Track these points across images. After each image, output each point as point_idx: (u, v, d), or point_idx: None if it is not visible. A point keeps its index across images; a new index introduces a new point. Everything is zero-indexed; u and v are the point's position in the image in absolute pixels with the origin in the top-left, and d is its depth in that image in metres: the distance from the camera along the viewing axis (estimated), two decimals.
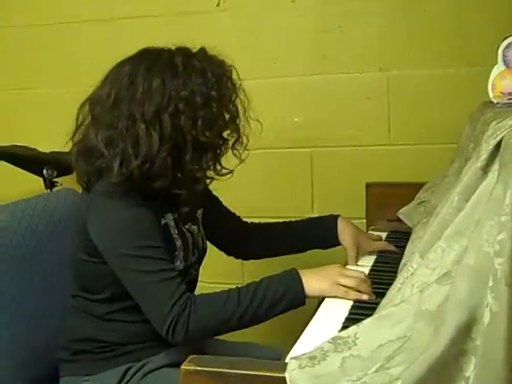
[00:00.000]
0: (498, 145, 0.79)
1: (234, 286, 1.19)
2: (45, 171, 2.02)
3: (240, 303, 1.15)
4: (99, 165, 1.21)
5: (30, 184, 2.07)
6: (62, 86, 2.24)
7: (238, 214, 1.54)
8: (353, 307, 1.15)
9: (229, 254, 1.55)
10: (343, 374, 0.76)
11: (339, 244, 1.45)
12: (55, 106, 2.22)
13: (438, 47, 1.89)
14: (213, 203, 1.49)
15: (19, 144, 2.09)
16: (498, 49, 1.26)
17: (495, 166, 0.78)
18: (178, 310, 1.13)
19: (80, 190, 1.33)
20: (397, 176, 1.89)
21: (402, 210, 1.59)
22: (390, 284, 0.97)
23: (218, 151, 1.28)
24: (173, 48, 1.27)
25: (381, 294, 1.07)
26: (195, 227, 1.37)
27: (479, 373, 0.69)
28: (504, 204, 0.69)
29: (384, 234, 1.62)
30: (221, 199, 1.51)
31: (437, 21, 1.88)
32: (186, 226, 1.33)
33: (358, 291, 1.18)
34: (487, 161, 0.80)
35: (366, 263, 1.42)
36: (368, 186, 1.81)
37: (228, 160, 1.30)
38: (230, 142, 1.29)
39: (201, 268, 1.40)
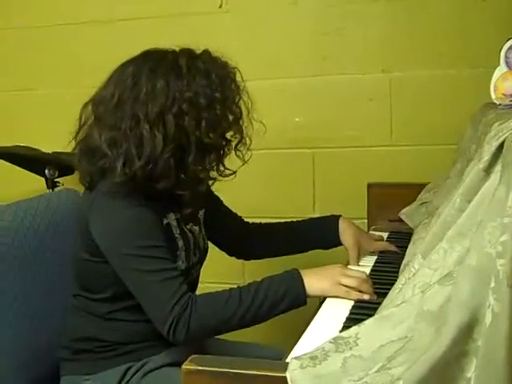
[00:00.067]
0: (501, 146, 0.79)
1: (235, 286, 1.19)
2: (47, 171, 2.03)
3: (241, 303, 1.15)
4: (102, 165, 1.22)
5: (31, 184, 2.07)
6: (63, 86, 2.24)
7: (239, 214, 1.54)
8: (354, 307, 1.15)
9: (230, 254, 1.55)
10: (344, 374, 0.76)
11: (340, 244, 1.45)
12: (56, 106, 2.23)
13: (440, 48, 1.89)
14: (214, 203, 1.49)
15: (21, 144, 2.09)
16: (500, 50, 1.26)
17: (497, 168, 0.78)
18: (180, 309, 1.13)
19: (82, 190, 1.33)
20: (398, 177, 1.89)
21: (403, 211, 1.59)
22: (392, 284, 0.97)
23: (222, 152, 1.28)
24: (177, 49, 1.27)
25: (382, 294, 1.07)
26: (197, 227, 1.37)
27: (481, 373, 0.69)
28: (506, 205, 0.69)
29: (385, 235, 1.62)
30: (222, 199, 1.51)
31: (439, 22, 1.88)
32: (188, 227, 1.33)
33: (360, 291, 1.19)
34: (489, 162, 0.80)
35: (367, 263, 1.42)
36: (370, 186, 1.81)
37: (231, 161, 1.30)
38: (233, 143, 1.29)
39: (202, 268, 1.40)
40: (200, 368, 0.83)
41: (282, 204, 2.06)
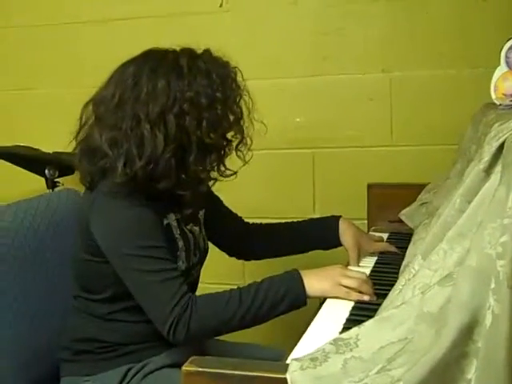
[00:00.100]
0: (501, 147, 0.79)
1: (235, 287, 1.19)
2: (47, 171, 2.03)
3: (241, 303, 1.15)
4: (103, 165, 1.21)
5: (31, 184, 2.07)
6: (63, 86, 2.24)
7: (239, 214, 1.54)
8: (354, 308, 1.15)
9: (230, 254, 1.55)
10: (345, 376, 0.76)
11: (340, 245, 1.45)
12: (56, 106, 2.23)
13: (441, 48, 1.89)
14: (214, 204, 1.49)
15: (22, 144, 2.09)
16: (500, 50, 1.26)
17: (498, 168, 0.78)
18: (180, 310, 1.13)
19: (82, 190, 1.33)
20: (398, 177, 1.89)
21: (403, 211, 1.59)
22: (392, 285, 0.97)
23: (222, 152, 1.28)
24: (177, 49, 1.27)
25: (382, 295, 1.07)
26: (197, 228, 1.37)
27: (481, 375, 0.69)
28: (507, 206, 0.69)
29: (385, 235, 1.62)
30: (223, 199, 1.51)
31: (439, 22, 1.88)
32: (188, 227, 1.33)
33: (360, 292, 1.18)
34: (490, 163, 0.80)
35: (368, 264, 1.42)
36: (370, 186, 1.81)
37: (231, 161, 1.30)
38: (234, 144, 1.29)
39: (202, 269, 1.40)
40: (200, 369, 0.83)
41: (283, 204, 2.06)
